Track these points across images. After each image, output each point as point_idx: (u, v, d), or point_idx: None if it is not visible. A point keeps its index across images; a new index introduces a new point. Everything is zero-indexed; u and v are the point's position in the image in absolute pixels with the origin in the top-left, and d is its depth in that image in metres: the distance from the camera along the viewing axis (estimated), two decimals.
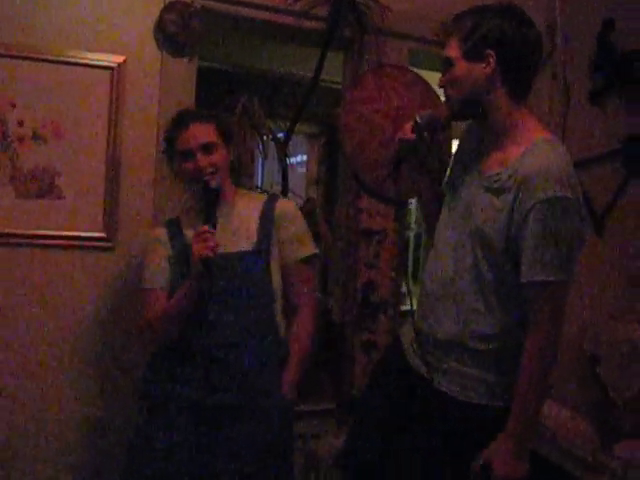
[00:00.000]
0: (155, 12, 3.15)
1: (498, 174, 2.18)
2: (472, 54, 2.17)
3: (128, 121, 3.14)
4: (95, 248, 3.11)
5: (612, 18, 4.12)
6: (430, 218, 2.54)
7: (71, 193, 3.06)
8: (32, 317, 3.04)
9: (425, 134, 2.40)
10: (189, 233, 2.57)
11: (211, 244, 2.40)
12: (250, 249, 2.59)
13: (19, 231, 3.00)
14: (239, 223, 2.63)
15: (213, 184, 2.52)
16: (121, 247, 3.15)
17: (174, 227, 2.68)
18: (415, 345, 2.38)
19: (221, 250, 2.46)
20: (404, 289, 3.65)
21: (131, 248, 3.16)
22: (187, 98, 3.27)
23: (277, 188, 3.58)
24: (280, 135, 3.55)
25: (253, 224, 2.63)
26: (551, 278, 2.10)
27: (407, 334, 2.47)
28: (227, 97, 3.41)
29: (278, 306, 2.65)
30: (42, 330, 3.05)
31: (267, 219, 2.64)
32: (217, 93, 3.52)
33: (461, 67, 2.20)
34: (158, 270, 2.61)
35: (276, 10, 3.39)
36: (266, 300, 2.61)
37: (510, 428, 2.13)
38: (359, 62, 3.54)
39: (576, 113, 4.13)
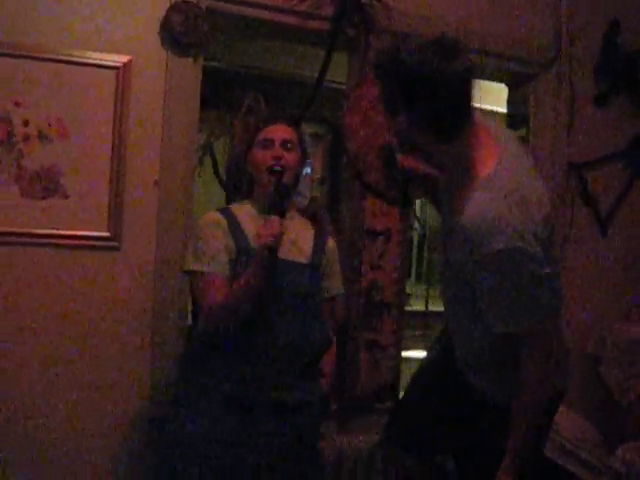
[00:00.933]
0: (161, 12, 3.16)
1: (455, 223, 2.17)
2: (391, 111, 2.19)
3: (133, 121, 3.15)
4: (100, 248, 3.11)
5: (617, 19, 4.12)
6: None
7: (76, 193, 3.07)
8: (37, 316, 3.05)
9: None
10: (247, 228, 2.61)
11: (276, 232, 2.43)
12: (307, 262, 2.66)
13: (24, 230, 3.00)
14: (296, 235, 2.69)
15: (285, 180, 2.60)
16: (126, 246, 3.15)
17: (231, 217, 2.65)
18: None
19: (282, 256, 2.53)
20: (408, 290, 3.66)
21: (136, 247, 3.16)
22: (192, 98, 3.28)
23: None
24: None
25: (309, 241, 2.73)
26: (507, 330, 2.13)
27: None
28: (232, 97, 3.41)
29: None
30: (47, 329, 3.06)
31: (320, 242, 2.76)
32: (222, 93, 3.53)
33: (389, 120, 2.24)
34: (219, 255, 2.56)
35: (281, 10, 3.39)
36: (317, 310, 2.68)
37: (506, 463, 2.20)
38: (364, 62, 3.54)
39: (581, 115, 4.12)
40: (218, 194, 3.73)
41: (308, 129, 5.17)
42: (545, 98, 4.09)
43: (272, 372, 2.54)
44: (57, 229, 3.04)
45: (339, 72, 3.74)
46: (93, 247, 3.11)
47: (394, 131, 2.30)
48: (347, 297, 3.62)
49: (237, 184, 3.14)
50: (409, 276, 6.75)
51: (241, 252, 2.57)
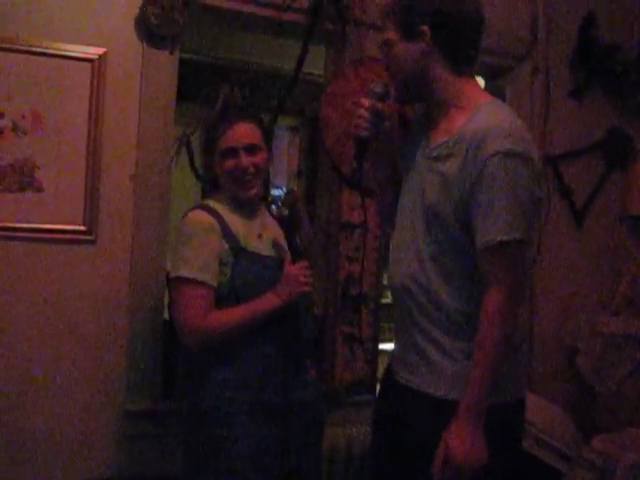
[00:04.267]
0: (136, 4, 3.14)
1: (444, 142, 2.15)
2: (408, 33, 2.15)
3: (109, 114, 3.13)
4: (75, 241, 3.10)
5: (593, 12, 4.14)
6: (387, 208, 2.49)
7: (51, 186, 3.05)
8: (12, 310, 3.03)
9: (381, 106, 2.33)
10: (235, 229, 2.53)
11: (309, 280, 2.51)
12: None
13: None
14: (276, 233, 2.69)
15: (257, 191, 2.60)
16: (101, 240, 3.14)
17: (220, 218, 2.53)
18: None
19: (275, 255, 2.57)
20: (385, 282, 3.66)
21: (112, 241, 3.15)
22: (169, 90, 3.26)
23: None
24: None
25: (282, 237, 2.70)
26: (505, 237, 2.01)
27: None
28: (208, 89, 3.40)
29: None
30: (22, 323, 3.04)
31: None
32: (199, 85, 3.51)
33: (399, 47, 2.18)
34: (211, 264, 2.46)
35: (257, 2, 3.38)
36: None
37: (465, 403, 2.04)
38: (341, 55, 3.54)
39: (557, 106, 4.14)
40: (194, 187, 3.72)
41: (285, 122, 5.18)
42: (521, 90, 4.10)
43: (294, 369, 2.58)
44: (32, 223, 3.02)
45: (317, 65, 3.74)
46: (68, 241, 3.09)
47: (401, 62, 2.18)
48: (324, 290, 3.63)
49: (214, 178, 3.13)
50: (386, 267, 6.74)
51: (234, 255, 2.50)
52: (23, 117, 3.00)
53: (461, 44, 2.18)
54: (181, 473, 2.59)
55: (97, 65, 3.09)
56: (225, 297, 2.48)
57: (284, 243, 2.68)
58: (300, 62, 3.44)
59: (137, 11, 3.15)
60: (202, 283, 2.44)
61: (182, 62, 3.34)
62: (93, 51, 3.09)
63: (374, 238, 3.64)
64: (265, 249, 2.57)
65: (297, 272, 2.49)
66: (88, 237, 3.11)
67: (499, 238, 2.02)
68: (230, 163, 2.54)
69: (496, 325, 2.03)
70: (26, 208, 3.02)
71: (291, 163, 5.60)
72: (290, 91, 3.46)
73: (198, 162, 3.43)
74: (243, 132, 2.55)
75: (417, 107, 2.48)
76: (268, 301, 2.47)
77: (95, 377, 3.16)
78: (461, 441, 2.02)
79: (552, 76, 4.12)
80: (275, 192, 3.82)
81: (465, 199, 2.07)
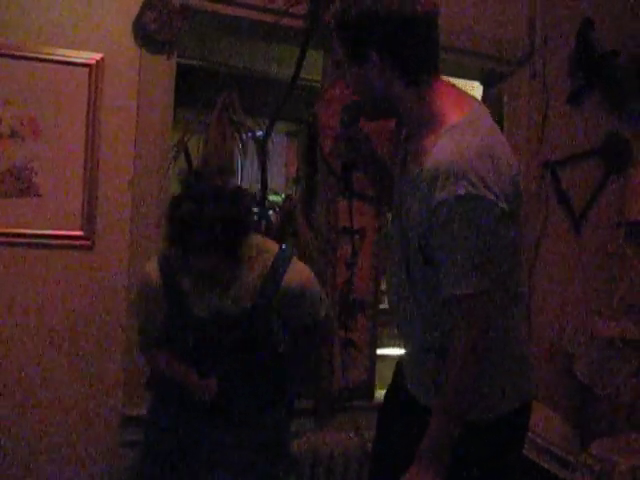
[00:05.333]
0: (134, 9, 3.14)
1: (415, 174, 2.01)
2: (356, 58, 2.03)
3: (106, 119, 3.13)
4: (73, 247, 3.09)
5: (591, 18, 4.14)
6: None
7: (49, 191, 3.04)
8: (10, 315, 3.03)
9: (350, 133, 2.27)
10: (186, 282, 2.55)
11: (210, 396, 2.54)
12: (248, 310, 2.54)
13: None
14: (244, 286, 2.56)
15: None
16: (99, 246, 3.14)
17: (168, 271, 2.56)
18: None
19: (221, 310, 2.53)
20: (383, 287, 3.65)
21: (109, 247, 3.15)
22: (166, 96, 3.26)
23: (256, 186, 3.57)
24: (259, 133, 3.54)
25: (256, 287, 2.55)
26: (457, 292, 1.90)
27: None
28: (207, 95, 3.40)
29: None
30: (20, 328, 3.04)
31: (271, 284, 2.55)
32: (196, 90, 3.51)
33: (353, 72, 2.08)
34: (152, 320, 2.64)
35: (255, 8, 3.38)
36: (270, 349, 2.67)
37: (426, 444, 1.97)
38: (339, 61, 3.53)
39: (555, 112, 4.14)
40: None
41: (283, 127, 5.17)
42: (519, 96, 4.10)
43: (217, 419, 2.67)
44: (30, 228, 3.02)
45: (314, 70, 3.74)
46: (66, 246, 3.09)
47: (360, 84, 2.06)
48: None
49: None
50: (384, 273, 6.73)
51: (174, 310, 2.58)
52: (21, 123, 3.00)
53: (412, 55, 2.01)
54: None
55: (95, 70, 3.09)
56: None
57: (254, 290, 2.56)
58: (298, 67, 3.44)
59: (135, 16, 3.14)
60: (148, 332, 2.70)
61: (179, 67, 3.34)
62: (91, 56, 3.09)
63: (371, 243, 3.64)
64: (214, 303, 2.55)
65: (201, 387, 2.56)
66: (86, 242, 3.11)
67: (457, 292, 1.91)
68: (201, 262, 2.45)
69: (458, 372, 1.95)
70: (24, 213, 3.01)
71: (289, 169, 5.59)
72: (288, 96, 3.46)
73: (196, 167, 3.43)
74: (208, 266, 2.45)
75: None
76: (185, 379, 2.59)
77: (93, 383, 3.16)
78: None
79: (550, 82, 4.11)
80: (273, 198, 3.81)
81: (424, 241, 1.98)
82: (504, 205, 1.89)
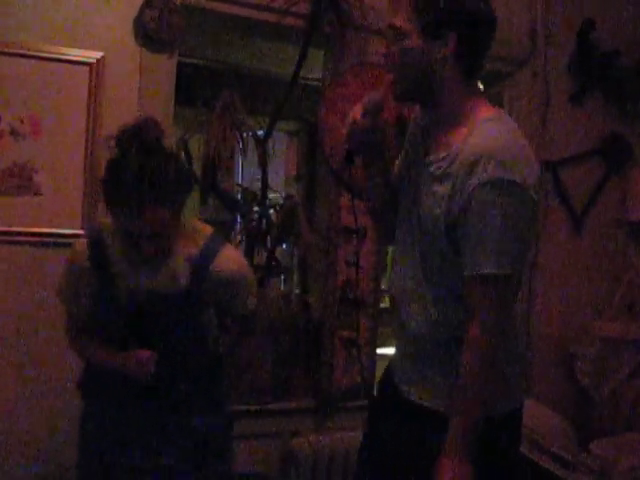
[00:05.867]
0: (135, 8, 3.14)
1: (442, 159, 2.04)
2: (431, 31, 1.98)
3: (107, 117, 3.12)
4: None
5: (592, 18, 4.14)
6: (380, 216, 2.40)
7: (49, 190, 3.04)
8: (9, 313, 3.03)
9: (370, 122, 2.19)
10: (117, 261, 2.37)
11: (150, 370, 2.31)
12: (177, 292, 2.37)
13: None
14: (174, 265, 2.40)
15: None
16: None
17: (98, 248, 2.39)
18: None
19: (153, 290, 2.35)
20: (384, 285, 3.66)
21: None
22: (167, 95, 3.26)
23: (257, 185, 3.58)
24: (260, 132, 3.54)
25: (187, 268, 2.39)
26: (491, 271, 1.92)
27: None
28: (207, 94, 3.40)
29: (212, 338, 2.55)
30: (21, 327, 3.04)
31: (200, 271, 2.40)
32: (197, 89, 3.51)
33: (416, 43, 2.00)
34: (81, 303, 2.43)
35: (256, 7, 3.38)
36: (200, 341, 2.50)
37: (451, 437, 1.99)
38: (340, 60, 3.54)
39: (556, 112, 4.15)
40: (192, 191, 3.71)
41: (284, 126, 5.17)
42: (520, 96, 4.10)
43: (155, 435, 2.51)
44: (30, 226, 3.02)
45: (315, 69, 3.74)
46: (67, 245, 3.07)
47: (416, 59, 2.00)
48: (323, 295, 3.63)
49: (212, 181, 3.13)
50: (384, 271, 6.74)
51: (105, 294, 2.39)
52: (21, 121, 3.00)
53: (480, 53, 2.06)
54: None
55: (95, 69, 3.09)
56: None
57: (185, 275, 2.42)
58: (299, 66, 3.44)
59: (135, 15, 3.14)
60: (75, 318, 2.49)
61: (180, 66, 3.34)
62: (91, 55, 3.09)
63: (372, 243, 3.64)
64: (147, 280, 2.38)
65: (139, 361, 2.32)
66: None
67: (485, 271, 1.93)
68: (133, 227, 2.27)
69: (477, 357, 1.97)
70: (24, 212, 3.01)
71: (290, 168, 5.59)
72: (289, 95, 3.46)
73: (197, 166, 3.43)
74: (150, 219, 2.23)
75: (412, 117, 2.41)
76: (119, 363, 2.38)
77: None
78: (447, 474, 1.97)
79: (551, 82, 4.12)
80: (273, 197, 3.82)
81: (454, 223, 1.99)
82: (535, 196, 1.95)
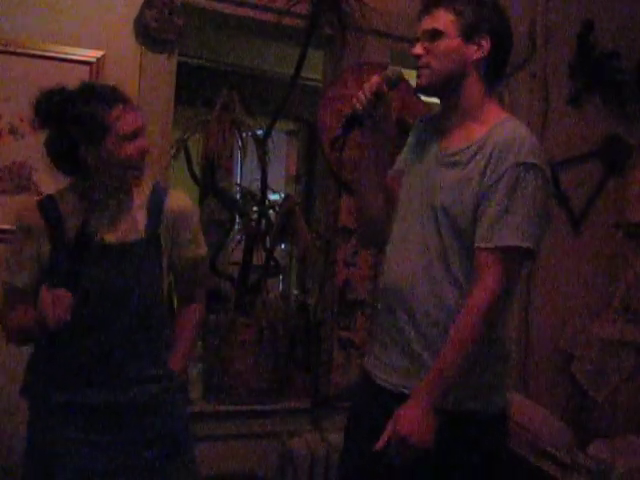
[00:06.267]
0: (135, 7, 3.14)
1: (465, 148, 2.17)
2: (469, 34, 2.16)
3: None
4: None
5: (591, 19, 4.15)
6: (376, 211, 2.41)
7: (49, 189, 3.01)
8: None
9: (386, 90, 2.29)
10: (70, 217, 2.30)
11: (67, 308, 2.14)
12: (138, 239, 2.33)
13: None
14: (131, 214, 2.38)
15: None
16: None
17: (52, 213, 2.32)
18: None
19: (109, 240, 2.30)
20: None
21: None
22: (167, 94, 3.26)
23: (256, 185, 3.57)
24: (259, 132, 3.54)
25: (143, 214, 2.38)
26: (518, 243, 2.04)
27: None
28: (207, 93, 3.40)
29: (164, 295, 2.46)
30: None
31: (155, 213, 2.39)
32: (197, 89, 3.52)
33: (453, 43, 2.17)
34: (22, 266, 2.29)
35: (257, 7, 3.38)
36: (154, 293, 2.39)
37: (425, 384, 2.06)
38: (340, 60, 3.54)
39: (555, 114, 4.15)
40: (192, 191, 3.72)
41: (283, 126, 5.18)
42: (519, 97, 4.10)
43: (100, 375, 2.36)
44: None
45: (315, 69, 3.74)
46: None
47: (448, 57, 2.17)
48: (321, 295, 3.63)
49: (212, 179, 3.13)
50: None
51: (58, 256, 2.28)
52: (21, 120, 2.99)
53: (504, 62, 2.27)
54: None
55: (95, 68, 3.09)
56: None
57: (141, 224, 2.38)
58: (298, 67, 3.44)
59: (136, 14, 3.15)
60: (10, 285, 2.30)
61: (180, 66, 3.34)
62: (91, 54, 3.09)
63: None
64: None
65: (46, 300, 2.13)
66: None
67: (509, 243, 2.04)
68: (131, 146, 2.28)
69: (475, 324, 2.04)
70: None
71: (289, 168, 5.60)
72: (288, 95, 3.46)
73: (196, 166, 3.43)
74: (134, 116, 2.32)
75: (417, 119, 2.47)
76: (36, 318, 2.19)
77: None
78: (411, 417, 2.03)
79: (550, 83, 4.12)
80: (272, 197, 3.81)
81: (479, 202, 2.10)
82: (551, 187, 2.16)
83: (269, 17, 3.41)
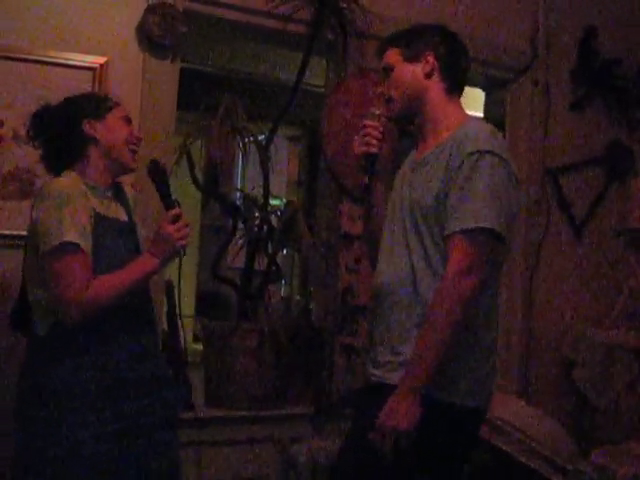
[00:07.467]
0: (138, 14, 3.15)
1: (433, 151, 2.29)
2: (412, 57, 2.35)
3: None
4: None
5: (594, 26, 4.15)
6: (378, 216, 2.51)
7: None
8: None
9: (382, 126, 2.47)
10: (92, 199, 2.34)
11: (185, 235, 2.35)
12: (134, 221, 2.58)
13: None
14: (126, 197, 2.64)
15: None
16: None
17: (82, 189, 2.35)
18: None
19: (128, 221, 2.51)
20: None
21: None
22: (169, 99, 3.27)
23: (258, 191, 3.57)
24: (261, 138, 3.54)
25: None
26: (480, 224, 2.10)
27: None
28: (210, 99, 3.40)
29: None
30: None
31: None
32: (199, 94, 3.52)
33: (402, 69, 2.35)
34: (87, 229, 2.27)
35: (259, 13, 3.39)
36: None
37: (406, 369, 2.13)
38: (342, 66, 3.55)
39: (557, 119, 4.16)
40: (194, 197, 3.72)
41: (285, 132, 5.18)
42: (521, 103, 4.11)
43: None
44: None
45: (317, 75, 3.74)
46: None
47: (403, 81, 2.35)
48: (323, 301, 3.63)
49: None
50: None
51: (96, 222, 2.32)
52: (24, 125, 3.00)
53: (457, 70, 2.40)
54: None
55: (98, 74, 3.10)
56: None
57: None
58: (301, 72, 3.44)
59: (138, 20, 3.16)
60: (83, 250, 2.23)
61: (183, 71, 3.35)
62: (94, 60, 3.10)
63: None
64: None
65: (172, 230, 2.31)
66: None
67: (466, 226, 2.12)
68: (127, 129, 2.45)
69: (444, 303, 2.11)
70: (26, 216, 2.99)
71: (291, 173, 5.60)
72: (290, 101, 3.46)
73: (198, 171, 3.43)
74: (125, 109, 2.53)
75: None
76: (147, 262, 2.33)
77: None
78: (390, 403, 2.10)
79: (552, 89, 4.13)
80: (274, 202, 3.81)
81: (445, 192, 2.19)
82: (514, 170, 2.24)
83: (271, 23, 3.42)
